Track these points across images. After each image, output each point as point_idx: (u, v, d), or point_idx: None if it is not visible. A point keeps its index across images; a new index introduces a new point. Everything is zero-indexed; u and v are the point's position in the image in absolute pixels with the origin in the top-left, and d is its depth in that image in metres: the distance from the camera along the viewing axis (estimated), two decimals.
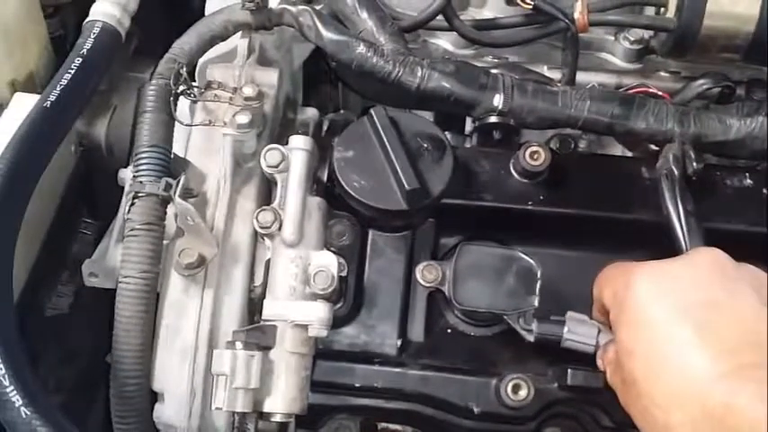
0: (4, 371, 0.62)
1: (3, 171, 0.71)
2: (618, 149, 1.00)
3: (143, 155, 0.78)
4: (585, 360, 0.78)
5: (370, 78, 0.85)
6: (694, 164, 0.82)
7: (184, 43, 0.84)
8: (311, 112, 0.94)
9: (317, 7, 0.89)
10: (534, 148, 0.83)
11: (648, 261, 0.69)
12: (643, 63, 1.00)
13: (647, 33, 0.98)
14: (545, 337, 0.78)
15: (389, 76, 0.84)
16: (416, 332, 0.87)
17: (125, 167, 0.84)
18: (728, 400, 0.58)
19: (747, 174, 0.87)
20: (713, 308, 0.63)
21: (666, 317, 0.64)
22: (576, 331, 0.77)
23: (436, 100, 0.85)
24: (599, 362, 0.76)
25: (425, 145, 0.82)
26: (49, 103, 0.78)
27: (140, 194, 0.75)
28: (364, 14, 0.89)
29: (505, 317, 0.82)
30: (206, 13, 0.91)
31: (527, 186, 0.85)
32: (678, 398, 0.61)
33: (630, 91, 0.94)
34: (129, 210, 0.75)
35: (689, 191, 0.80)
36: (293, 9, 0.86)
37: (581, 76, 0.96)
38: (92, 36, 0.85)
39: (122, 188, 0.82)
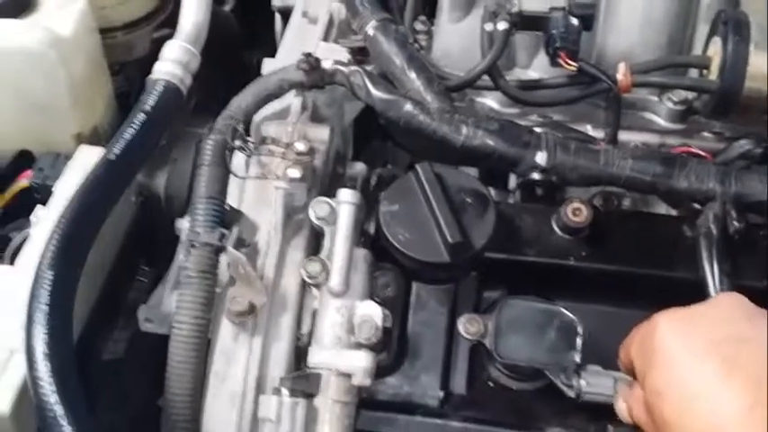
0: (62, 412, 0.66)
1: (68, 219, 0.76)
2: (662, 207, 1.01)
3: (200, 206, 0.82)
4: None
5: (416, 135, 0.88)
6: (735, 223, 0.83)
7: (241, 101, 0.89)
8: (360, 167, 0.98)
9: (368, 68, 0.93)
10: (576, 205, 0.85)
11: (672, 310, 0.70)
12: (686, 123, 1.01)
13: (690, 94, 0.99)
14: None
15: (435, 133, 0.87)
16: (458, 384, 0.87)
17: (181, 217, 0.88)
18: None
19: None
20: (738, 343, 0.64)
21: (693, 355, 0.65)
22: (594, 383, 0.78)
23: (480, 157, 0.88)
24: (618, 404, 0.77)
25: (469, 200, 0.84)
26: (113, 156, 0.83)
27: (196, 244, 0.79)
28: (412, 74, 0.92)
29: (547, 372, 0.82)
30: (262, 73, 0.95)
31: (569, 242, 0.87)
32: None
33: (674, 151, 0.96)
34: (185, 258, 0.79)
35: (728, 250, 0.81)
36: (345, 69, 0.90)
37: (625, 136, 0.98)
38: (155, 93, 0.90)
39: (178, 237, 0.86)
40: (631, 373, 0.75)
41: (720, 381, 0.62)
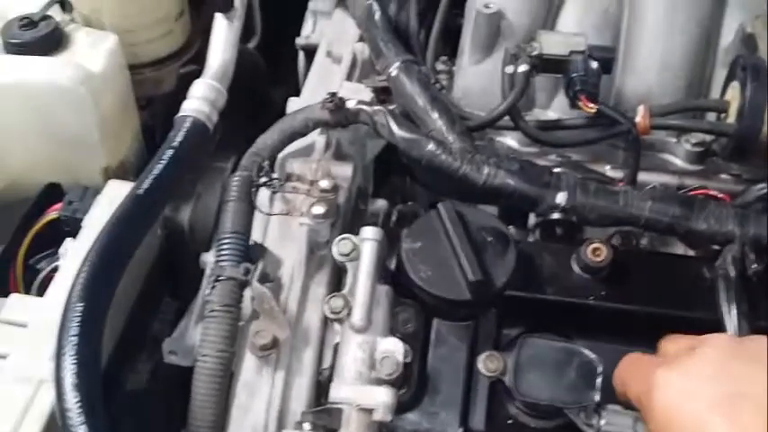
0: None
1: (98, 251, 0.78)
2: (680, 247, 1.02)
3: (225, 241, 0.83)
4: None
5: (438, 173, 0.90)
6: (754, 265, 0.84)
7: (267, 138, 0.91)
8: (381, 203, 0.99)
9: (391, 107, 0.95)
10: (596, 245, 0.86)
11: (660, 362, 0.72)
12: (705, 164, 1.02)
13: (708, 137, 1.01)
14: None
15: (457, 173, 0.89)
16: (478, 421, 0.87)
17: (204, 251, 0.89)
18: None
19: None
20: (735, 400, 0.65)
21: (696, 419, 0.66)
22: (614, 422, 0.78)
23: (501, 196, 0.89)
24: None
25: (489, 239, 0.85)
26: (142, 190, 0.85)
27: (221, 278, 0.80)
28: (435, 115, 0.94)
29: (566, 411, 0.83)
30: (287, 111, 0.97)
31: (588, 281, 0.88)
32: None
33: (691, 192, 0.97)
34: (210, 292, 0.80)
35: (746, 292, 0.82)
36: (369, 109, 0.92)
37: (643, 176, 0.99)
38: (183, 129, 0.92)
39: (202, 270, 0.87)
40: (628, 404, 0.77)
41: None
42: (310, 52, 1.18)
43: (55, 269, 0.89)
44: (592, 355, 0.85)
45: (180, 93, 1.02)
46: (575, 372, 0.84)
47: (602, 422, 0.79)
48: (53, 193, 0.98)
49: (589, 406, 0.82)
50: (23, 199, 0.97)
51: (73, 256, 0.85)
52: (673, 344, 0.77)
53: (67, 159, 0.98)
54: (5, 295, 0.85)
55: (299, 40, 1.22)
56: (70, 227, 0.92)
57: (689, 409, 0.67)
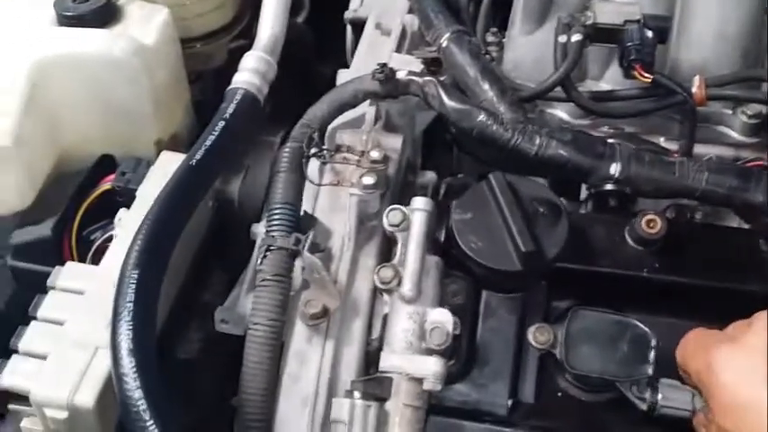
0: (145, 407, 0.68)
1: (152, 221, 0.79)
2: (734, 221, 1.00)
3: (276, 211, 0.83)
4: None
5: (489, 145, 0.89)
6: None
7: (317, 110, 0.91)
8: (430, 176, 0.99)
9: (441, 78, 0.94)
10: (651, 217, 0.85)
11: (722, 339, 0.71)
12: (761, 137, 1.00)
13: (764, 108, 0.99)
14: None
15: (508, 144, 0.88)
16: (527, 394, 0.87)
17: (254, 222, 0.90)
18: None
19: None
20: None
21: (759, 395, 0.65)
22: (671, 397, 0.77)
23: (553, 167, 0.88)
24: (697, 427, 0.76)
25: (541, 209, 0.85)
26: (194, 161, 0.85)
27: (272, 248, 0.81)
28: (486, 86, 0.93)
29: (618, 384, 0.82)
30: (337, 83, 0.97)
31: (642, 254, 0.87)
32: None
33: (748, 164, 0.95)
34: (261, 261, 0.81)
35: None
36: (419, 80, 0.92)
37: (698, 149, 0.97)
38: (234, 102, 0.93)
39: (252, 241, 0.88)
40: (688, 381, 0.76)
41: None
42: (358, 26, 1.18)
43: (109, 239, 0.90)
44: (645, 329, 0.84)
45: (230, 68, 1.02)
46: (627, 345, 0.84)
47: (659, 396, 0.78)
48: (106, 164, 0.99)
49: (642, 380, 0.81)
50: (77, 170, 0.99)
51: (127, 225, 0.87)
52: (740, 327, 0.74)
53: (120, 131, 1.00)
54: (62, 264, 0.86)
55: (347, 14, 1.21)
56: (123, 197, 0.94)
57: (751, 384, 0.66)
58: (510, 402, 0.86)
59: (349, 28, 1.23)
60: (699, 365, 0.72)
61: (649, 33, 0.92)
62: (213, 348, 0.95)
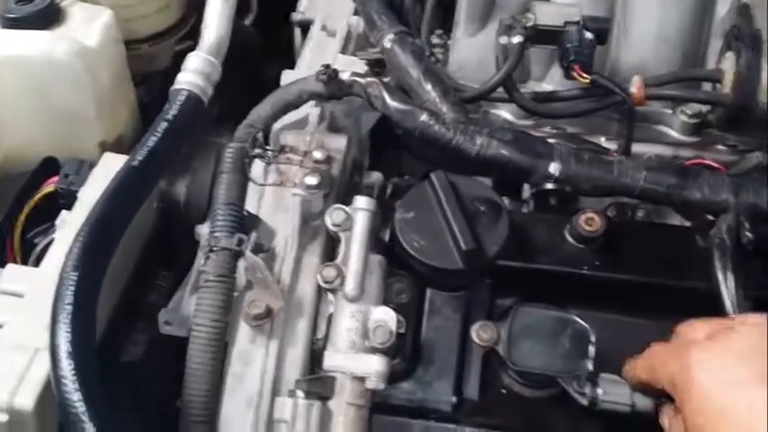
0: (84, 409, 0.67)
1: (93, 222, 0.78)
2: (676, 219, 1.02)
3: (220, 212, 0.83)
4: (640, 425, 0.79)
5: (432, 145, 0.90)
6: (748, 234, 0.84)
7: (261, 110, 0.91)
8: (376, 176, 0.99)
9: (385, 79, 0.95)
10: (590, 215, 0.86)
11: (696, 342, 0.71)
12: (700, 136, 1.02)
13: (704, 107, 1.01)
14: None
15: (450, 143, 0.89)
16: (471, 391, 0.88)
17: (200, 224, 0.89)
18: None
19: None
20: None
21: (737, 396, 0.65)
22: (611, 392, 0.78)
23: (495, 166, 0.89)
24: (662, 422, 0.77)
25: (482, 208, 0.86)
26: (136, 162, 0.85)
27: (215, 248, 0.81)
28: (428, 86, 0.94)
29: (559, 379, 0.83)
30: (281, 84, 0.97)
31: (582, 252, 0.88)
32: None
33: (687, 163, 0.97)
34: (204, 262, 0.81)
35: (741, 261, 0.82)
36: (362, 81, 0.92)
37: (639, 148, 0.99)
38: (178, 103, 0.92)
39: (196, 242, 0.88)
40: (644, 390, 0.77)
41: None
42: (305, 28, 1.18)
43: (51, 242, 0.89)
44: (585, 324, 0.85)
45: (175, 70, 1.01)
46: (568, 341, 0.85)
47: (599, 391, 0.79)
48: (50, 166, 0.98)
49: (582, 375, 0.82)
50: (20, 173, 0.97)
51: (68, 227, 0.86)
52: (691, 328, 0.75)
53: (64, 134, 0.99)
54: (2, 266, 0.85)
55: (295, 16, 1.22)
56: (66, 199, 0.92)
57: (729, 386, 0.66)
58: (455, 400, 0.87)
59: (297, 30, 1.23)
60: (673, 371, 0.71)
61: (588, 35, 0.94)
62: (158, 350, 0.94)
